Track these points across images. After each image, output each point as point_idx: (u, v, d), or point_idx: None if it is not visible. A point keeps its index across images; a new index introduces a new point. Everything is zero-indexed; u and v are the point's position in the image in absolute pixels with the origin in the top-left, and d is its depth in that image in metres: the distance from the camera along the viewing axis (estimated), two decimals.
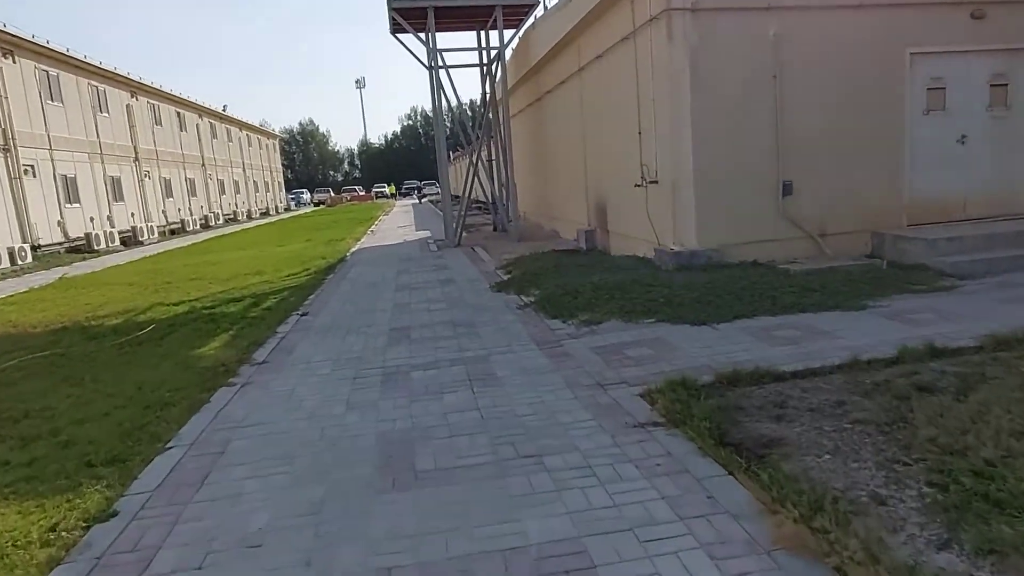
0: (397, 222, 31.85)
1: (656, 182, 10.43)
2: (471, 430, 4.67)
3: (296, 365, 6.78)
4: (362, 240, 22.45)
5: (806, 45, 9.70)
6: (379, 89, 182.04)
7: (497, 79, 18.98)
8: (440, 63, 17.58)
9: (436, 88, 17.57)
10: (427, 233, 23.09)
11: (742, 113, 9.66)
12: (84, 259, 23.97)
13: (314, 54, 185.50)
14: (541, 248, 14.90)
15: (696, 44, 9.43)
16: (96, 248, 26.99)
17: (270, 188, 68.55)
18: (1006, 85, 10.53)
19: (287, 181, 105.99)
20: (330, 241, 22.34)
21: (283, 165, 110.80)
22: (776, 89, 9.65)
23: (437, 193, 76.60)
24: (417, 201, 62.49)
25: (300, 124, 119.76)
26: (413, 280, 11.99)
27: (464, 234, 19.15)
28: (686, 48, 9.44)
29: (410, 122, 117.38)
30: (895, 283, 8.24)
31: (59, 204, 26.74)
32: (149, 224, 33.31)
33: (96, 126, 30.70)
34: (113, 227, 30.26)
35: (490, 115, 19.38)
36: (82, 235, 27.20)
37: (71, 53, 28.57)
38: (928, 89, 10.27)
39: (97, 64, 30.97)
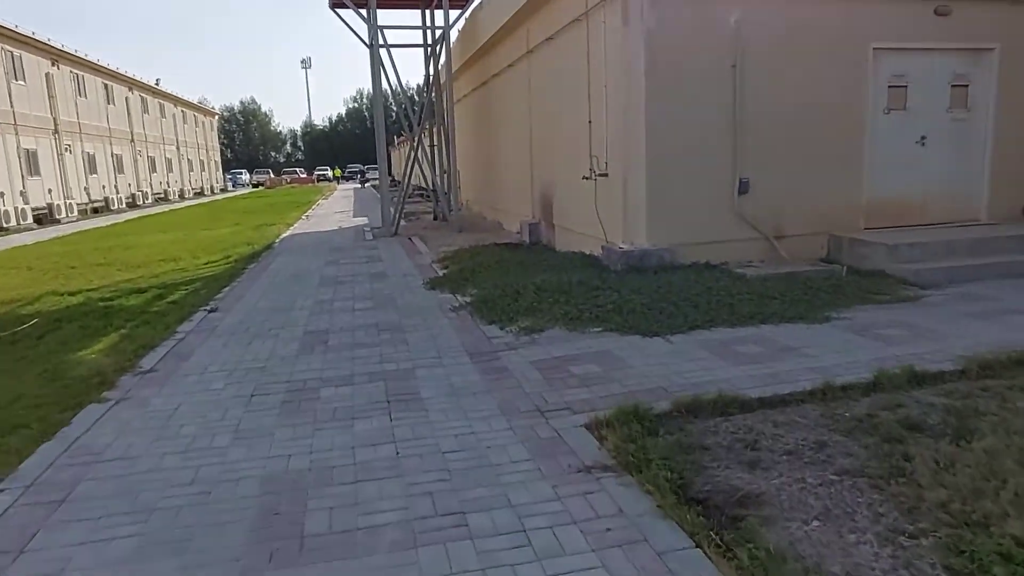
0: (335, 207, 30.58)
1: (606, 175, 9.71)
2: (383, 473, 3.83)
3: (187, 376, 5.82)
4: (295, 226, 21.25)
5: (769, 34, 9.07)
6: (326, 70, 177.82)
7: (441, 61, 18.04)
8: (382, 41, 16.53)
9: (376, 67, 16.52)
10: (364, 220, 22.01)
11: (699, 104, 8.98)
12: None
13: (260, 31, 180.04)
14: (482, 240, 14.07)
15: (653, 28, 8.69)
16: (5, 226, 25.05)
17: (206, 167, 65.90)
18: (967, 86, 10.11)
19: (227, 161, 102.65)
20: (260, 226, 21.08)
21: (223, 144, 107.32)
22: (736, 80, 9.00)
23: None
24: (360, 185, 60.90)
25: (241, 103, 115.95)
26: (341, 273, 11.03)
27: (403, 223, 18.20)
28: (642, 31, 8.70)
29: (356, 105, 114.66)
30: (857, 292, 7.68)
31: None
32: (69, 201, 31.26)
33: (9, 94, 28.52)
34: (27, 203, 28.23)
35: (433, 98, 18.44)
36: None
37: None
38: (890, 87, 9.77)
39: (12, 27, 28.76)
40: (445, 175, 18.48)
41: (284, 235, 18.22)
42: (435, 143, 19.32)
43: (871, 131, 9.74)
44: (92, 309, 8.80)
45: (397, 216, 17.30)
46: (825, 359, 5.47)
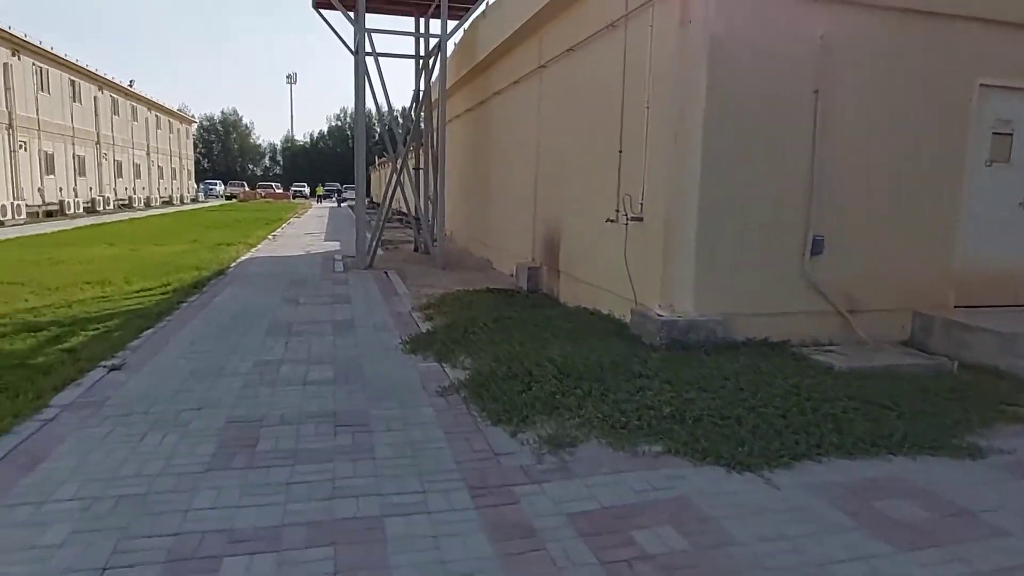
0: (307, 227, 28.33)
1: (640, 219, 7.69)
2: None
3: (13, 510, 3.62)
4: (257, 247, 18.99)
5: (859, 57, 7.17)
6: (310, 87, 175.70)
7: (435, 75, 16.07)
8: (369, 49, 14.52)
9: (361, 77, 14.48)
10: (336, 245, 19.81)
11: (770, 137, 7.03)
12: None
13: (246, 43, 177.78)
14: (471, 283, 11.99)
15: (720, 34, 6.75)
16: None
17: (177, 176, 63.25)
18: None
19: (203, 170, 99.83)
20: (219, 245, 18.78)
21: (200, 154, 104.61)
22: (817, 110, 7.08)
23: None
24: (336, 204, 58.67)
25: (222, 112, 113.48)
26: (298, 318, 8.83)
27: (380, 252, 16.05)
28: (706, 39, 6.75)
29: (338, 123, 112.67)
30: (985, 401, 5.67)
31: None
32: (17, 203, 28.65)
33: None
34: None
35: (422, 116, 16.42)
36: None
37: None
38: (994, 134, 7.92)
39: None
40: (430, 202, 16.42)
41: (243, 258, 15.96)
42: (420, 165, 17.29)
43: (969, 186, 7.84)
44: None
45: (373, 246, 15.16)
46: None
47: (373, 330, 8.23)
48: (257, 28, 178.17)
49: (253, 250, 18.07)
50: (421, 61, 16.67)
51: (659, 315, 7.02)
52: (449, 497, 3.85)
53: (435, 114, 16.27)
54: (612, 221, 8.25)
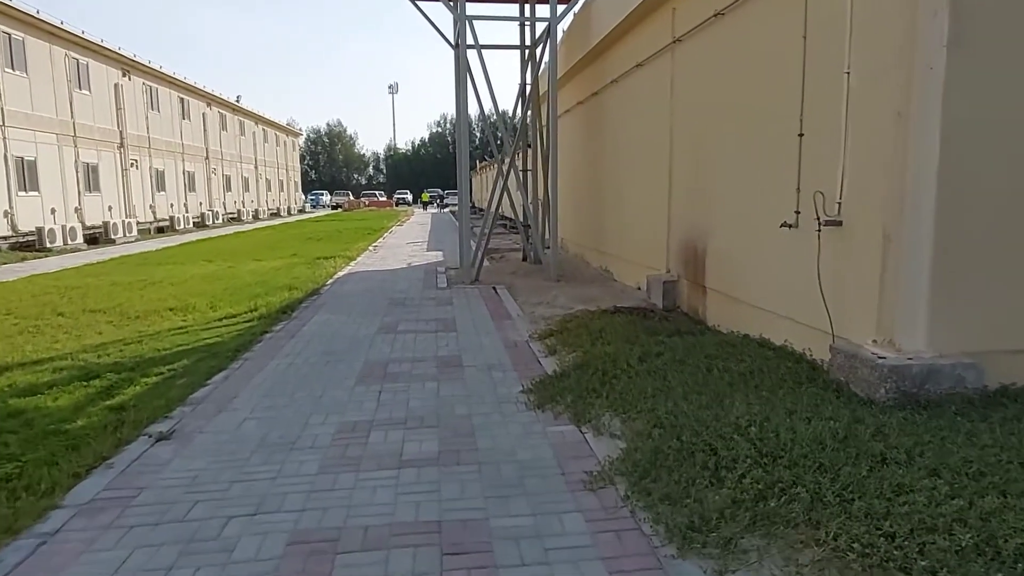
0: (409, 236, 27.35)
1: (838, 223, 5.74)
2: None
3: None
4: (358, 259, 17.91)
5: None
6: (411, 96, 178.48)
7: (543, 64, 14.41)
8: (471, 41, 13.04)
9: (462, 71, 13.04)
10: (439, 255, 18.52)
11: None
12: (23, 259, 19.66)
13: (350, 57, 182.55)
14: (592, 298, 10.30)
15: None
16: (49, 246, 22.66)
17: (284, 187, 64.43)
18: None
19: (310, 181, 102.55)
20: (317, 259, 17.82)
21: (307, 166, 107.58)
22: None
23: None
24: (437, 210, 58.28)
25: (328, 124, 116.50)
26: (396, 353, 7.34)
27: (485, 263, 14.54)
28: None
29: (438, 129, 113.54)
30: None
31: (9, 192, 22.47)
32: (129, 220, 29.02)
33: (71, 104, 26.49)
34: (81, 221, 26.03)
35: (529, 112, 14.82)
36: (34, 229, 22.87)
37: (42, 16, 24.38)
38: None
39: (79, 33, 26.83)
40: (542, 206, 14.80)
41: (340, 273, 14.83)
42: (528, 167, 15.69)
43: None
44: None
45: (479, 258, 13.67)
46: None
47: (485, 371, 6.62)
48: (361, 41, 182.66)
49: (352, 264, 16.98)
50: (527, 51, 15.07)
51: (878, 356, 5.05)
52: None
53: (544, 109, 14.64)
54: (790, 226, 6.33)
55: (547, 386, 5.91)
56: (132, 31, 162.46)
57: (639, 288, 11.34)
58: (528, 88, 14.91)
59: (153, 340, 8.22)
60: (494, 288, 12.06)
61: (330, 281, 13.60)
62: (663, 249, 10.14)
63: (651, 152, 10.61)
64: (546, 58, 13.64)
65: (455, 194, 77.69)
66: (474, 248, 13.70)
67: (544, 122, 14.64)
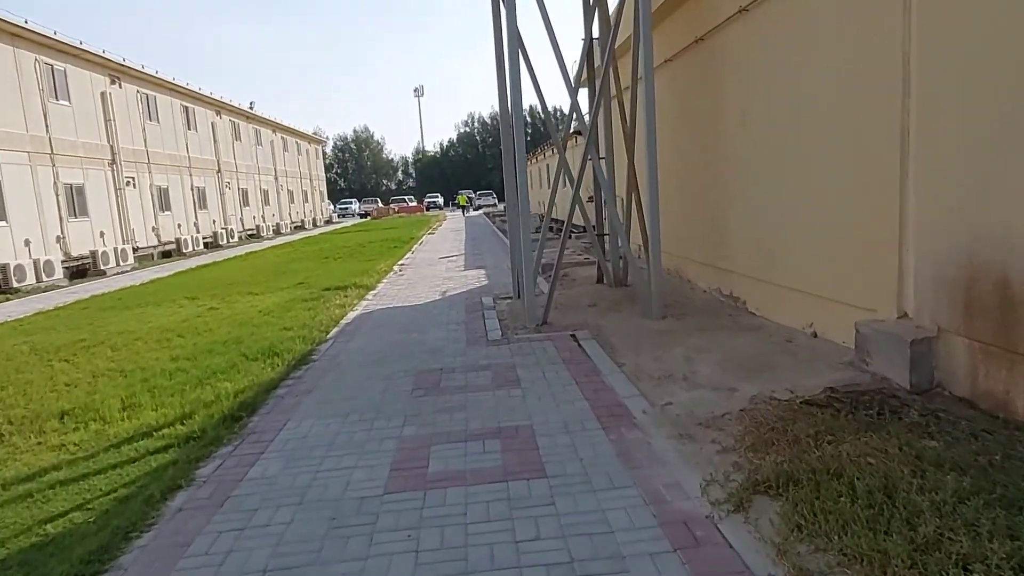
0: (442, 247, 23.23)
1: None
2: None
3: None
4: (377, 289, 13.77)
5: None
6: (437, 98, 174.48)
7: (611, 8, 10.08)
8: None
9: (510, 12, 8.86)
10: (482, 275, 14.31)
11: None
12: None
13: (374, 62, 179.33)
14: (756, 361, 5.99)
15: None
16: (17, 286, 18.94)
17: (309, 198, 60.85)
18: None
19: (339, 190, 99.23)
20: (327, 290, 13.74)
21: (336, 174, 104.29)
22: None
23: (492, 205, 65.77)
24: (471, 212, 54.28)
25: (355, 131, 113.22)
26: (427, 555, 3.17)
27: (545, 286, 10.23)
28: None
29: (467, 129, 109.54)
30: None
31: None
32: (124, 247, 25.33)
33: (45, 117, 22.78)
34: (63, 253, 22.42)
35: (602, 72, 10.46)
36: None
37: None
38: None
39: (50, 35, 23.15)
40: (631, 206, 10.52)
41: (351, 315, 10.69)
42: (602, 154, 11.30)
43: None
44: None
45: (549, 291, 9.43)
46: None
47: None
48: (383, 46, 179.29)
49: (370, 295, 12.85)
50: None
51: None
52: None
53: (638, 55, 10.34)
54: None
55: None
56: (164, 53, 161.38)
57: (814, 334, 6.99)
58: (595, 43, 10.64)
59: (54, 473, 4.12)
60: (577, 341, 7.79)
61: (334, 331, 9.48)
62: (891, 273, 5.77)
63: (845, 103, 6.26)
64: None
65: (486, 194, 71.88)
66: (547, 283, 9.41)
67: (625, 85, 10.34)
